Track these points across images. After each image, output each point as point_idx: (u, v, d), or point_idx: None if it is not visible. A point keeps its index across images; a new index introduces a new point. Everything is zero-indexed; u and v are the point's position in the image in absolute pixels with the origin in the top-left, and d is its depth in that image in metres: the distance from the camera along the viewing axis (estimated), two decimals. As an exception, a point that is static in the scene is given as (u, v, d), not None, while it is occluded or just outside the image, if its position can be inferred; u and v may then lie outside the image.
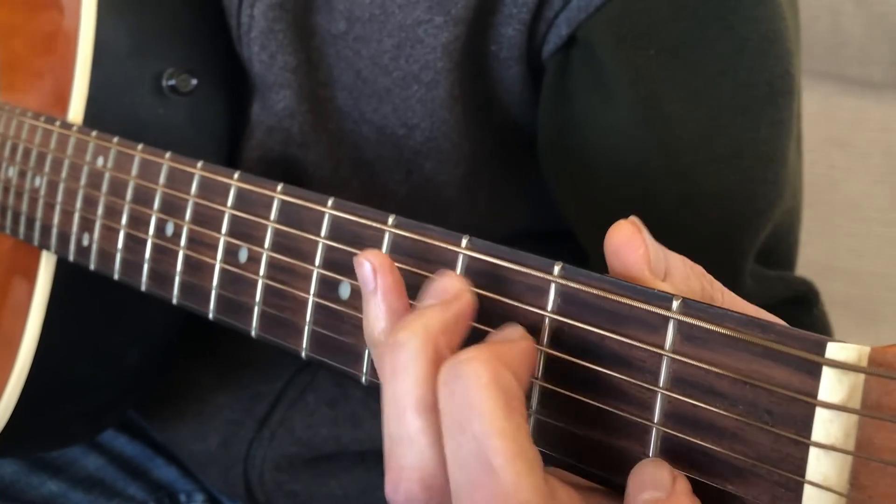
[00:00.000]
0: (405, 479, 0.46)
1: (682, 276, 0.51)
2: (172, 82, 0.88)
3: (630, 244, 0.49)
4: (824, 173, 1.33)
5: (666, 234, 0.84)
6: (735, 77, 0.81)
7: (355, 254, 0.57)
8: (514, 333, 0.49)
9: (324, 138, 0.91)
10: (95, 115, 0.87)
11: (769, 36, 0.81)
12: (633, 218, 0.50)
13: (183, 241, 0.71)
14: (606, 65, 0.81)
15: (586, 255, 0.88)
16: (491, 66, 0.87)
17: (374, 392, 0.56)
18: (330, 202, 0.61)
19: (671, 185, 0.83)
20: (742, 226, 0.84)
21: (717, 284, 0.52)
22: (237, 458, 1.02)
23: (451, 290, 0.50)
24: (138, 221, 0.75)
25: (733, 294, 0.53)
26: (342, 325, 0.59)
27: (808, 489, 0.41)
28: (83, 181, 0.81)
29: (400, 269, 0.55)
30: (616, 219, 0.84)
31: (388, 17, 0.86)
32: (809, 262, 0.92)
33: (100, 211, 0.79)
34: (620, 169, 0.83)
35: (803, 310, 0.89)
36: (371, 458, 1.01)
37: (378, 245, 0.57)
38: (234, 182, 0.67)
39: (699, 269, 0.52)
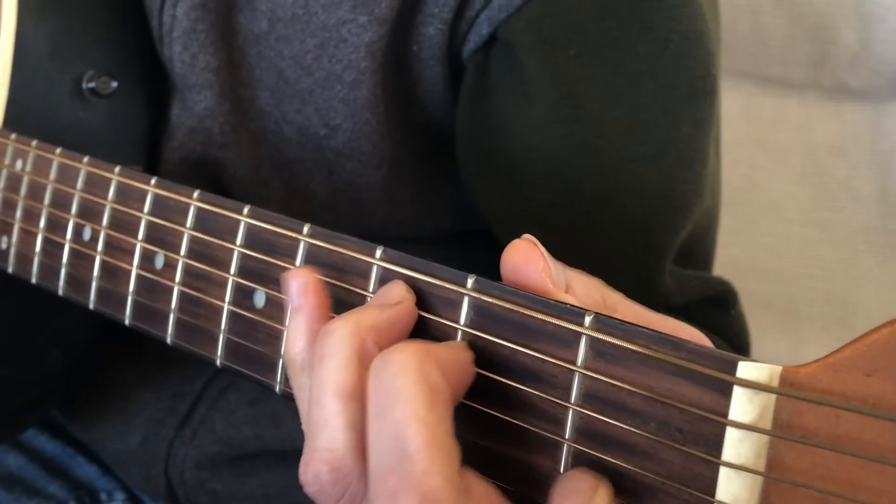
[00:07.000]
0: (315, 459, 0.47)
1: (583, 287, 0.51)
2: (92, 85, 0.87)
3: (529, 259, 0.49)
4: (745, 173, 1.33)
5: (587, 232, 0.84)
6: (656, 77, 0.81)
7: (271, 263, 0.56)
8: (455, 343, 0.49)
9: (244, 138, 0.90)
10: (15, 119, 0.85)
11: (690, 37, 0.81)
12: (526, 236, 0.50)
13: (100, 247, 0.70)
14: (526, 65, 0.81)
15: None
16: (412, 66, 0.86)
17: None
18: (245, 210, 0.60)
19: (592, 184, 0.83)
20: (662, 225, 0.84)
21: (617, 294, 0.53)
22: (158, 457, 1.01)
23: (392, 297, 0.51)
24: (56, 225, 0.74)
25: (632, 301, 0.53)
26: (257, 333, 0.59)
27: (718, 509, 0.40)
28: (1, 184, 0.79)
29: (315, 279, 0.55)
30: (537, 218, 0.83)
31: (312, 17, 0.85)
32: (731, 262, 0.92)
33: (18, 214, 0.77)
34: (541, 168, 0.83)
35: (721, 310, 0.90)
36: (292, 456, 1.00)
37: (293, 254, 0.57)
38: (151, 188, 0.66)
39: (597, 280, 0.53)
